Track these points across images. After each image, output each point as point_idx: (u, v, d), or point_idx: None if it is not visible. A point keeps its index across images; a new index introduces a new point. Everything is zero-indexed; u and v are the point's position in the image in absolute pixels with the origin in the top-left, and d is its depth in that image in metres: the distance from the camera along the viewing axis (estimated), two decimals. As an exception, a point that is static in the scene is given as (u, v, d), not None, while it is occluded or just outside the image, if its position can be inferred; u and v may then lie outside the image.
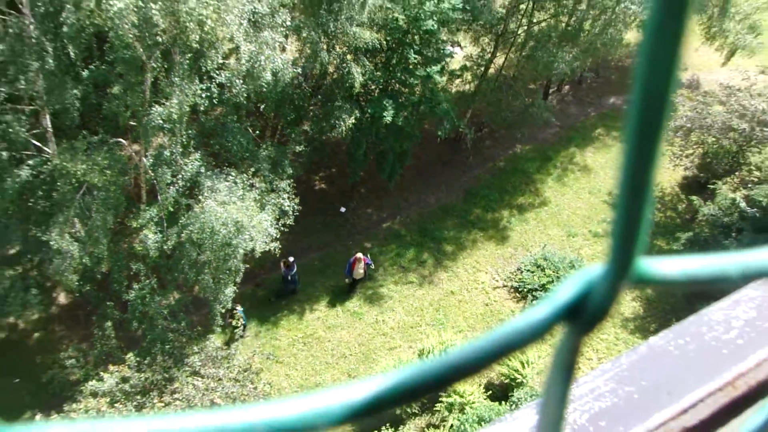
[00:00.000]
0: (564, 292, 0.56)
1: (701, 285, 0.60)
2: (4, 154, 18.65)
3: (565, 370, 0.60)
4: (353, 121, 23.69)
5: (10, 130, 18.20)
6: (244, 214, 19.26)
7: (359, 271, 25.16)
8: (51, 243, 18.71)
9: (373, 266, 25.91)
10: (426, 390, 0.54)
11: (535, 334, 0.55)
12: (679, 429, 1.24)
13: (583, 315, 0.56)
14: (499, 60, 29.78)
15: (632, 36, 34.73)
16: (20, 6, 16.97)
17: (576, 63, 27.64)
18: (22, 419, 21.96)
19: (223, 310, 22.01)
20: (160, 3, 16.52)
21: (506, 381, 22.85)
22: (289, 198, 21.75)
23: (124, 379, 19.56)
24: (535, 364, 23.00)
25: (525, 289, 26.01)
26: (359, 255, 25.00)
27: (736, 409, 1.29)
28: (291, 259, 24.10)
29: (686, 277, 0.58)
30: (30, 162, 19.05)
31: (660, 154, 0.45)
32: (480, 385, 22.70)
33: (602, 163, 31.31)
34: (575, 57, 27.49)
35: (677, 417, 1.26)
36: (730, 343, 1.41)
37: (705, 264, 0.59)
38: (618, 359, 1.43)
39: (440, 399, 21.68)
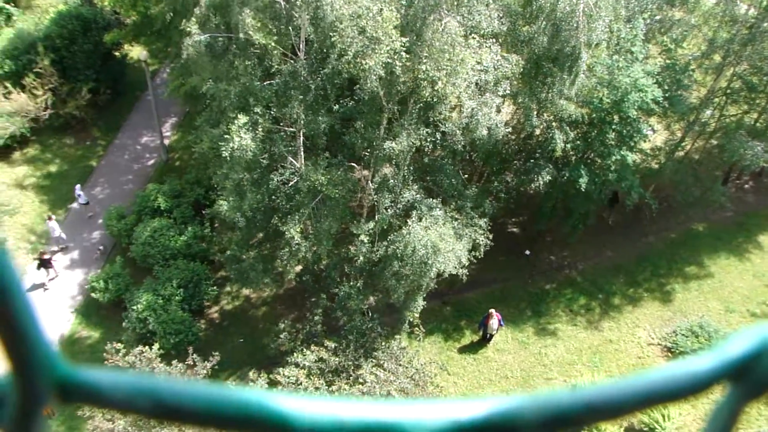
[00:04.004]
0: (735, 347, 0.44)
1: None
2: (265, 161, 20.06)
3: None
4: (549, 178, 23.52)
5: (273, 145, 19.55)
6: (442, 240, 19.54)
7: (492, 325, 24.30)
8: (286, 234, 19.80)
9: (503, 326, 24.77)
10: (547, 425, 0.44)
11: (694, 387, 0.43)
12: None
13: (753, 376, 0.43)
14: (686, 144, 28.60)
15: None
16: (298, 51, 18.26)
17: (765, 157, 25.95)
18: (240, 373, 23.43)
19: (411, 318, 22.40)
20: (403, 62, 17.25)
21: (645, 429, 21.79)
22: (483, 235, 21.80)
23: (321, 359, 20.39)
24: (675, 420, 21.81)
25: (677, 351, 24.70)
26: (492, 311, 24.21)
27: None
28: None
29: None
30: (282, 171, 20.36)
31: None
32: (621, 426, 21.81)
33: (770, 251, 29.24)
34: (765, 150, 25.87)
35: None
36: None
37: None
38: (761, 434, 1.23)
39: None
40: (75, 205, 28.55)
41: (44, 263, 25.40)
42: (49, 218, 26.86)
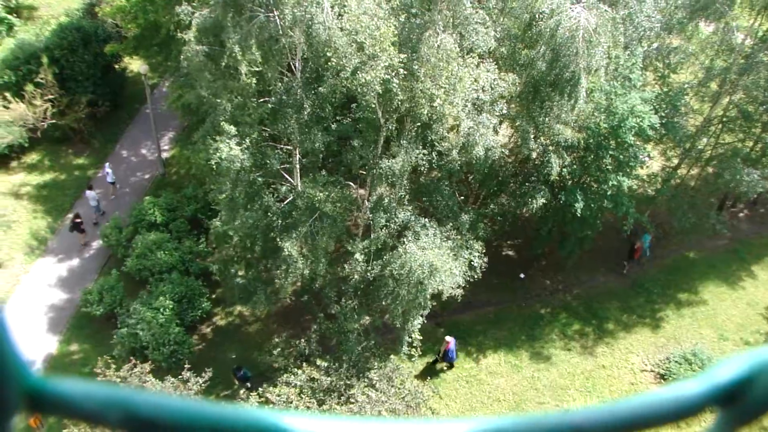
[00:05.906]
0: (725, 371, 0.44)
1: None
2: (260, 179, 19.91)
3: None
4: (544, 201, 23.35)
5: (267, 161, 19.41)
6: (439, 261, 19.35)
7: (442, 351, 24.06)
8: (283, 251, 19.59)
9: (453, 360, 24.35)
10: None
11: (682, 411, 0.42)
12: None
13: (744, 401, 0.42)
14: (682, 171, 28.56)
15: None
16: (294, 69, 18.17)
17: (761, 184, 25.87)
18: (231, 389, 23.17)
19: (409, 338, 22.13)
20: (400, 79, 17.15)
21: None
22: (479, 256, 21.62)
23: (313, 379, 20.14)
24: (668, 449, 21.56)
25: (671, 378, 24.51)
26: (447, 338, 23.94)
27: None
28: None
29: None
30: (277, 187, 20.21)
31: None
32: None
33: (765, 280, 29.06)
34: (762, 177, 25.80)
35: None
36: None
37: None
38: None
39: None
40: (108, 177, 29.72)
41: (76, 226, 27.02)
42: (90, 188, 28.56)
